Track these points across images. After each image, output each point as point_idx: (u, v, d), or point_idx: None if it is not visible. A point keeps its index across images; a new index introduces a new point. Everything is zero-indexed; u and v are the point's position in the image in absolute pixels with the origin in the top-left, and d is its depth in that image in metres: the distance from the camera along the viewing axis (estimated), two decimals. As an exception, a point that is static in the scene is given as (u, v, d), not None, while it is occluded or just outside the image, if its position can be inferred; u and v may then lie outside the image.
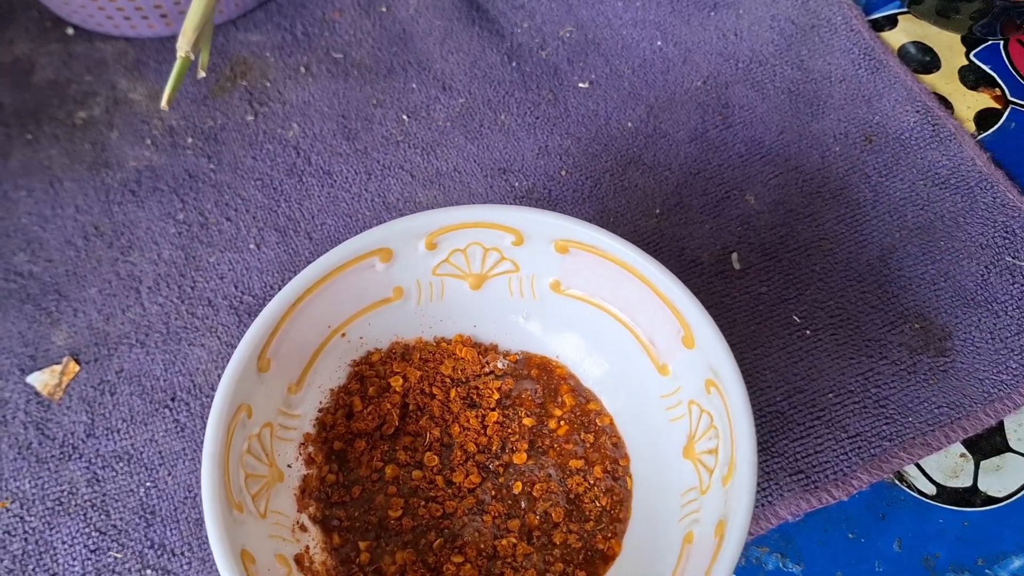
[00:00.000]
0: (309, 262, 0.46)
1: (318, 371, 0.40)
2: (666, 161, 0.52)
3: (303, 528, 0.37)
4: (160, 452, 0.43)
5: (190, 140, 0.53)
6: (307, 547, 0.36)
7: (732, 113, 0.54)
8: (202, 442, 0.43)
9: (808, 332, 0.46)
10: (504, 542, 0.37)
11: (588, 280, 0.40)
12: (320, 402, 0.40)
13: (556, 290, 0.41)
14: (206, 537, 0.41)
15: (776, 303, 0.47)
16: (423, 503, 0.38)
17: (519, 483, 0.39)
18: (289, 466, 0.38)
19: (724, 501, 0.33)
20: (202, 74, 0.42)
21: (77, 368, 0.45)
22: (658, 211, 0.50)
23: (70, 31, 0.57)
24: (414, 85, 0.55)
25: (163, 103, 0.41)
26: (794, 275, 0.48)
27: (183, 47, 0.41)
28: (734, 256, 0.48)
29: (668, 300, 0.37)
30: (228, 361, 0.42)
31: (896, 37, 0.58)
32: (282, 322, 0.37)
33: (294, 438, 0.39)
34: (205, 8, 0.42)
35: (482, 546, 0.37)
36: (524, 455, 0.40)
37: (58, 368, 0.45)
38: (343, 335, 0.40)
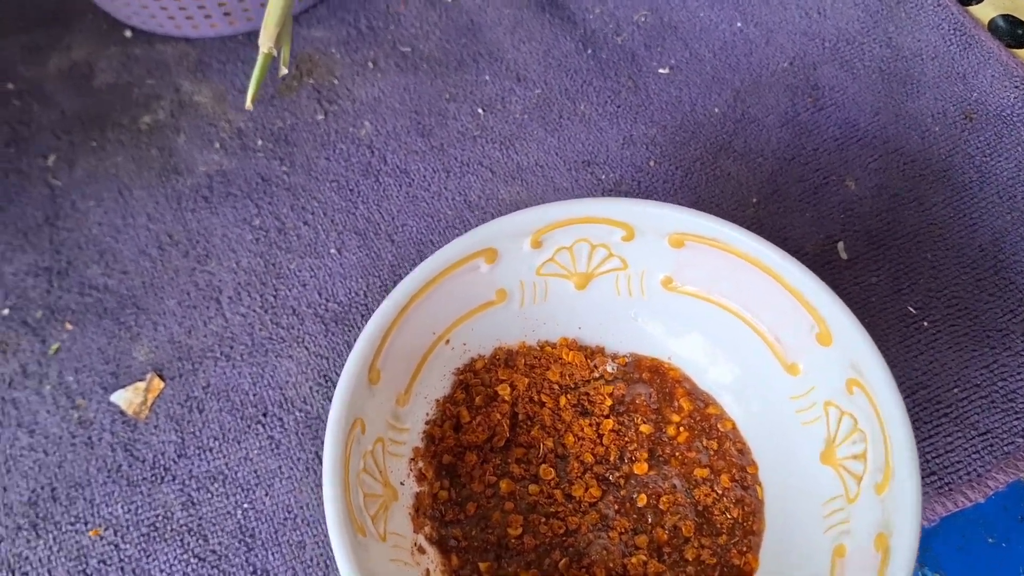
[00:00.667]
0: (392, 266, 0.44)
1: (423, 381, 0.38)
2: (758, 147, 0.50)
3: (421, 550, 0.35)
4: (256, 471, 0.41)
5: (260, 142, 0.51)
6: (427, 570, 0.35)
7: (822, 95, 0.51)
8: (297, 459, 0.41)
9: (925, 324, 0.44)
10: (634, 560, 0.35)
11: (704, 275, 0.38)
12: (427, 414, 0.38)
13: (668, 287, 0.39)
14: (309, 560, 0.39)
15: (889, 294, 0.44)
16: (544, 520, 0.36)
17: (643, 495, 0.37)
18: (402, 483, 0.36)
19: (881, 511, 0.31)
20: (284, 71, 0.40)
21: (162, 384, 0.43)
22: (755, 200, 0.47)
23: (128, 34, 0.55)
24: (487, 77, 0.53)
25: (247, 103, 0.39)
26: (905, 263, 0.45)
27: (265, 43, 0.39)
28: (840, 245, 0.46)
29: (800, 294, 0.35)
30: (317, 373, 0.41)
31: (984, 11, 0.55)
32: (391, 330, 0.35)
33: (404, 453, 0.37)
34: (285, 2, 0.40)
35: (611, 564, 0.35)
36: (645, 465, 0.38)
37: (142, 385, 0.43)
38: (447, 342, 0.38)
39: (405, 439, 0.37)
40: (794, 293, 0.35)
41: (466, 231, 0.36)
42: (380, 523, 0.33)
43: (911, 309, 0.44)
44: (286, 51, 0.41)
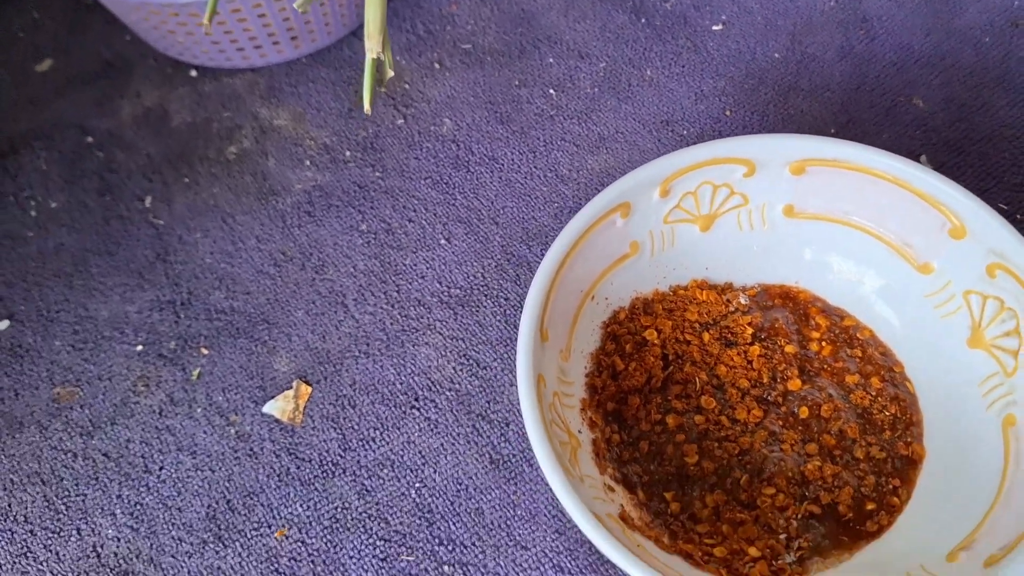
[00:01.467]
0: (502, 247, 0.46)
1: (578, 336, 0.40)
2: (823, 83, 0.52)
3: (610, 489, 0.37)
4: (420, 452, 0.42)
5: (348, 153, 0.52)
6: (621, 505, 0.36)
7: (872, 25, 0.54)
8: (457, 435, 0.42)
9: (1018, 216, 0.46)
10: (809, 466, 0.37)
11: (826, 197, 0.40)
12: (584, 367, 0.40)
13: (790, 215, 0.41)
14: (490, 524, 0.40)
15: (978, 194, 0.47)
16: (716, 444, 0.38)
17: (804, 408, 0.39)
18: (579, 432, 0.38)
19: None
20: (391, 73, 0.42)
21: (309, 389, 0.44)
22: (832, 131, 0.50)
23: (193, 73, 0.57)
24: (551, 59, 0.55)
25: (365, 107, 0.40)
26: (987, 166, 0.48)
27: (373, 49, 0.41)
28: (923, 158, 0.48)
29: (927, 195, 0.37)
30: (457, 353, 0.43)
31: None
32: (551, 291, 0.37)
33: (575, 404, 0.38)
34: (381, 6, 0.42)
35: (790, 474, 0.37)
36: (798, 381, 0.39)
37: (291, 393, 0.45)
38: (592, 298, 0.40)
39: (572, 392, 0.39)
40: (922, 196, 0.37)
41: (564, 203, 0.38)
42: (575, 467, 0.35)
43: (1002, 206, 0.46)
44: (388, 54, 0.43)
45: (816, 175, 0.39)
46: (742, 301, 0.42)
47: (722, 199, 0.40)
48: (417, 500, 0.41)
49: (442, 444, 0.42)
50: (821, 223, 0.41)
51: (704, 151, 0.38)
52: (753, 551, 0.35)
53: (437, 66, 0.55)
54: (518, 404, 0.38)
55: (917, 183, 0.37)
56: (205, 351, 0.46)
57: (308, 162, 0.52)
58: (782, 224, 0.41)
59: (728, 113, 0.51)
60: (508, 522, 0.40)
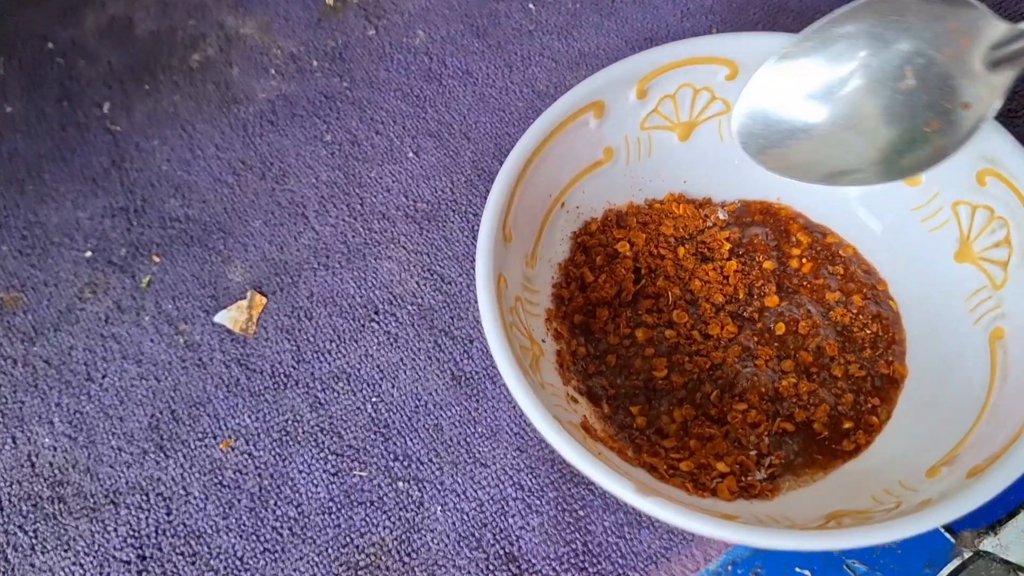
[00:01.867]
0: (473, 162, 0.44)
1: (546, 244, 0.38)
2: (813, 4, 0.49)
3: (573, 399, 0.35)
4: (378, 366, 0.40)
5: (315, 63, 0.50)
6: (584, 416, 0.34)
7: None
8: (418, 350, 0.40)
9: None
10: (784, 383, 0.35)
11: None
12: (552, 277, 0.38)
13: None
14: (449, 440, 0.38)
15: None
16: (687, 358, 0.36)
17: (780, 324, 0.36)
18: (543, 341, 0.35)
19: None
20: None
21: (264, 300, 0.42)
22: (823, 53, 0.47)
23: (159, -20, 0.54)
24: (532, -26, 0.52)
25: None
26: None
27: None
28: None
29: (919, 97, 0.35)
30: (420, 268, 0.41)
31: None
32: (516, 188, 0.35)
33: (539, 314, 0.36)
34: None
35: (763, 390, 0.35)
36: (775, 297, 0.37)
37: (244, 303, 0.42)
38: (562, 205, 0.38)
39: (537, 300, 0.36)
40: (912, 97, 0.35)
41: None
42: (536, 374, 0.33)
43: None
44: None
45: None
46: (720, 216, 0.40)
47: (703, 105, 0.38)
48: (373, 415, 0.39)
49: (401, 359, 0.40)
50: None
51: (684, 48, 0.36)
52: (721, 466, 0.33)
53: (413, -22, 0.53)
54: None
55: None
56: (157, 259, 0.44)
57: (273, 71, 0.50)
58: None
59: (714, 31, 0.48)
60: (468, 439, 0.38)
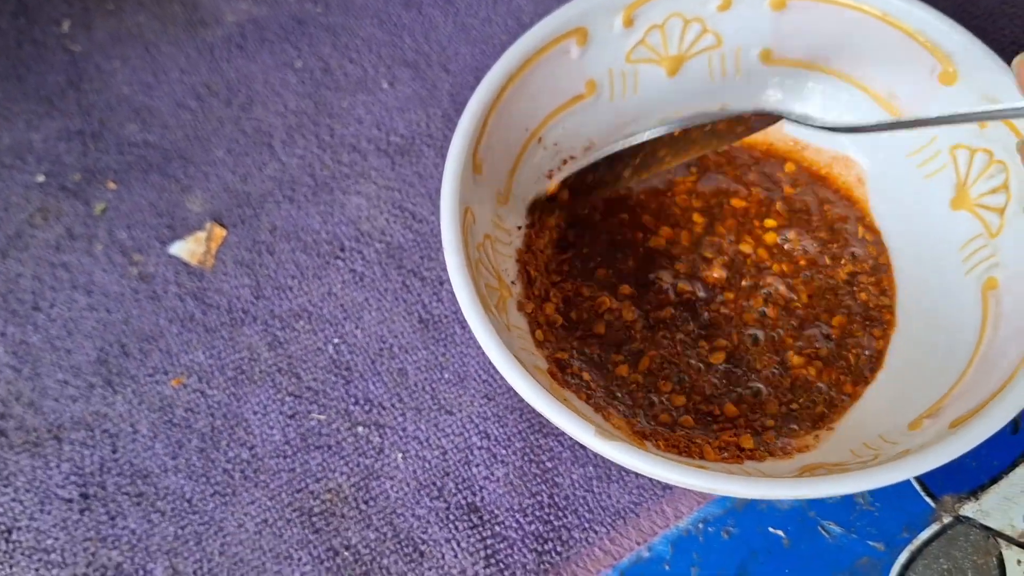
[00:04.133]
0: (451, 95, 0.41)
1: (519, 182, 0.35)
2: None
3: (539, 344, 0.33)
4: (342, 305, 0.38)
5: (289, -14, 0.47)
6: (551, 364, 0.32)
7: None
8: (385, 290, 0.38)
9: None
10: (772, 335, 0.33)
11: (808, 40, 0.35)
12: (526, 219, 0.36)
13: (767, 61, 0.37)
14: (414, 385, 0.36)
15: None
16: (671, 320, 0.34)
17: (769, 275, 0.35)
18: (513, 283, 0.33)
19: None
20: None
21: (224, 232, 0.40)
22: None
23: None
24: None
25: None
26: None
27: None
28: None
29: (920, 34, 0.33)
30: (391, 204, 0.38)
31: None
32: (489, 116, 0.32)
33: (510, 254, 0.34)
34: None
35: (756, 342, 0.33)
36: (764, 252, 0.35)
37: (202, 235, 0.40)
38: (539, 140, 0.36)
39: (509, 240, 0.34)
40: (914, 35, 0.33)
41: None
42: (503, 314, 0.31)
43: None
44: None
45: (799, 11, 0.34)
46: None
47: (693, 37, 0.36)
48: (334, 356, 0.37)
49: (367, 298, 0.38)
50: (800, 71, 0.36)
51: (675, -30, 0.34)
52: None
53: (396, -100, 0.50)
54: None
55: (908, 20, 0.32)
56: (112, 185, 0.41)
57: (244, -7, 0.47)
58: (758, 72, 0.37)
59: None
60: (433, 385, 0.36)
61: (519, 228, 0.35)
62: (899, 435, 0.29)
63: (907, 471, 0.25)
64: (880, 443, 0.29)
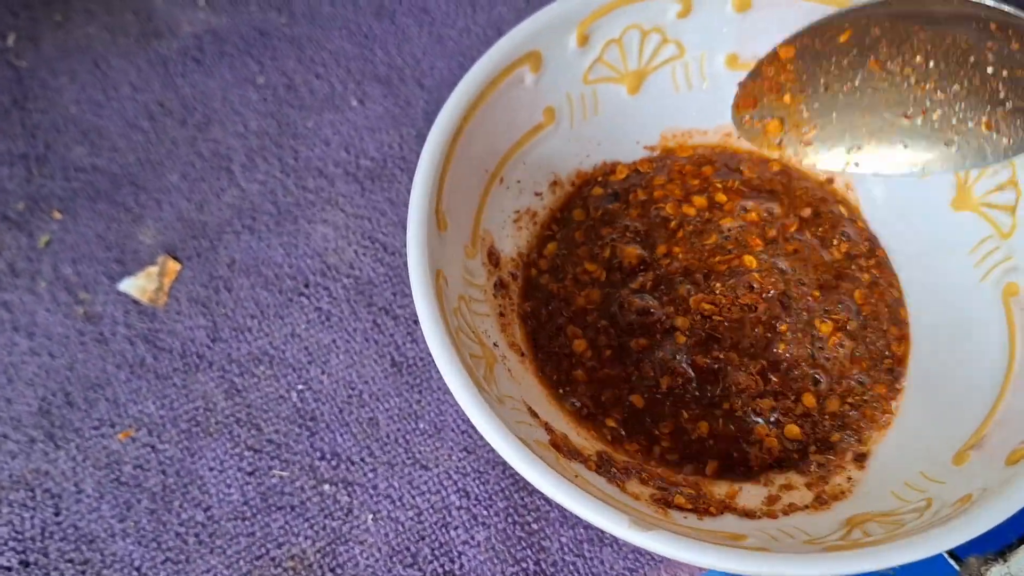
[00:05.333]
0: (426, 113, 0.38)
1: (486, 230, 0.32)
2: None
3: (534, 414, 0.30)
4: (306, 348, 0.35)
5: (251, -6, 0.44)
6: (546, 423, 0.29)
7: None
8: (354, 330, 0.35)
9: None
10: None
11: (775, 39, 0.33)
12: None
13: (733, 66, 0.35)
14: (385, 437, 0.33)
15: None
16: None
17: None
18: (495, 345, 0.30)
19: None
20: None
21: (178, 266, 0.37)
22: None
23: None
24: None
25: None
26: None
27: None
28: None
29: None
30: (360, 235, 0.35)
31: None
32: (447, 165, 0.29)
33: (487, 312, 0.31)
34: None
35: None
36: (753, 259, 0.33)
37: (154, 270, 0.37)
38: (501, 180, 0.33)
39: (482, 297, 0.31)
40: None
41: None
42: (492, 385, 0.28)
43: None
44: None
45: (764, 9, 0.32)
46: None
47: (653, 48, 0.34)
48: (298, 405, 0.34)
49: (334, 340, 0.35)
50: None
51: (623, -17, 0.31)
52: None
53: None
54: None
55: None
56: (58, 215, 0.38)
57: (203, 1, 0.43)
58: (725, 78, 0.34)
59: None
60: (407, 436, 0.33)
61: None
62: (944, 472, 0.26)
63: (978, 525, 0.23)
64: (925, 483, 0.26)
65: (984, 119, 0.29)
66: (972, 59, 0.28)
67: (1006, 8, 0.27)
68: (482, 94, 0.31)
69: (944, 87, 0.29)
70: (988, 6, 0.27)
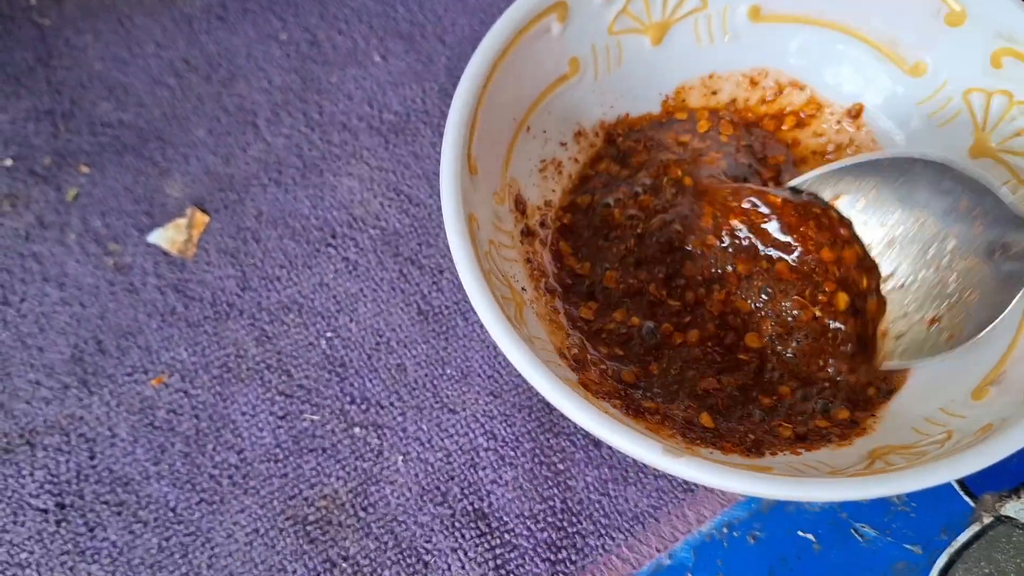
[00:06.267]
0: (448, 68, 0.39)
1: (513, 176, 0.33)
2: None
3: (562, 354, 0.30)
4: (335, 296, 0.35)
5: (272, -48, 0.44)
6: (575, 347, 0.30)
7: None
8: (381, 279, 0.36)
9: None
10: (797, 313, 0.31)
11: None
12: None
13: (756, 18, 0.35)
14: (413, 382, 0.34)
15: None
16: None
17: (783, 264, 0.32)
18: (523, 289, 0.31)
19: None
20: None
21: (206, 219, 0.37)
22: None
23: None
24: None
25: None
26: None
27: None
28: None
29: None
30: (385, 187, 0.36)
31: None
32: (478, 110, 0.30)
33: (514, 257, 0.32)
34: None
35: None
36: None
37: (183, 222, 0.37)
38: (528, 129, 0.33)
39: (512, 243, 0.32)
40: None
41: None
42: (523, 326, 0.28)
43: None
44: None
45: None
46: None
47: (676, 1, 0.33)
48: (327, 351, 0.34)
49: (361, 289, 0.36)
50: (792, 26, 0.34)
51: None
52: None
53: None
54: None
55: None
56: (85, 169, 0.38)
57: (224, -40, 0.44)
58: (747, 32, 0.35)
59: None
60: (434, 381, 0.34)
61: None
62: (964, 407, 0.27)
63: (1003, 448, 0.23)
64: (946, 417, 0.27)
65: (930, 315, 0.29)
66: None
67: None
68: (512, 41, 0.31)
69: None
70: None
